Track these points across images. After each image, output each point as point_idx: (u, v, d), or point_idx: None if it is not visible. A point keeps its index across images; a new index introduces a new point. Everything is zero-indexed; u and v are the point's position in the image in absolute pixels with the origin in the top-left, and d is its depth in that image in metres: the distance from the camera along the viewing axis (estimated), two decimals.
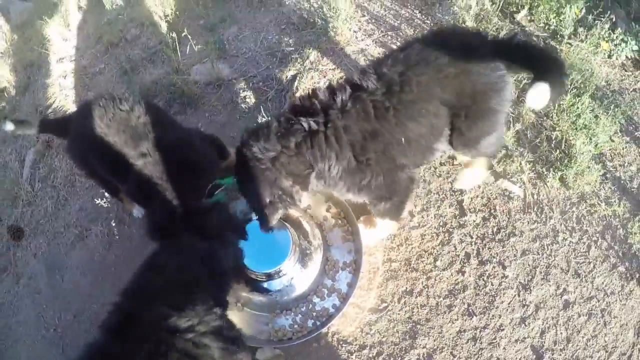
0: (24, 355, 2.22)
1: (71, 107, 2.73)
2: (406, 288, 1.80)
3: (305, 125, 1.35)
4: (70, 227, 2.33)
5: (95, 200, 2.22)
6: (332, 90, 1.39)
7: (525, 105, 1.23)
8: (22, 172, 2.78)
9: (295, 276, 1.74)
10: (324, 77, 2.15)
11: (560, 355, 1.75)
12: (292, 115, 1.38)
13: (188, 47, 2.38)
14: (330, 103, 1.36)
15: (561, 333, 1.79)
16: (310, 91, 1.44)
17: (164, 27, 2.58)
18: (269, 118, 1.61)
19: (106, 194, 2.24)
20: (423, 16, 2.37)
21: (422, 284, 1.80)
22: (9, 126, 1.80)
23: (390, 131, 1.36)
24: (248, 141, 1.41)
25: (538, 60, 1.41)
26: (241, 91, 2.19)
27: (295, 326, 1.71)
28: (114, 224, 2.16)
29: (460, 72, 1.34)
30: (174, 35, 2.23)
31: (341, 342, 1.72)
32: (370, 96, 1.33)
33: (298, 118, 1.36)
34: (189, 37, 2.13)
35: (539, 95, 1.29)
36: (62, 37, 3.20)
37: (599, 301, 1.84)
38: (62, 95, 2.86)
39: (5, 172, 2.91)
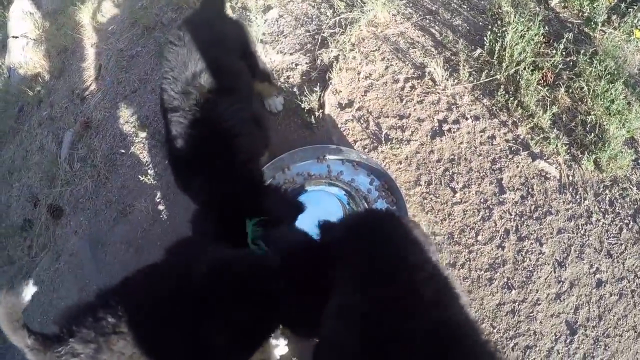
0: None
1: (109, 89, 2.79)
2: (449, 261, 1.85)
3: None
4: (113, 204, 2.39)
5: (139, 177, 2.28)
6: None
7: None
8: (59, 153, 2.84)
9: None
10: (366, 58, 2.21)
11: (593, 332, 1.80)
12: None
13: None
14: None
15: (593, 311, 1.84)
16: None
17: None
18: None
19: (150, 171, 2.30)
20: (459, 1, 2.41)
21: (465, 257, 1.85)
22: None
23: None
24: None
25: None
26: (283, 72, 2.24)
27: None
28: (158, 200, 2.23)
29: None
30: None
31: None
32: None
33: None
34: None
35: None
36: (95, 22, 3.26)
37: (629, 282, 1.89)
38: (99, 78, 2.92)
39: (43, 153, 2.98)
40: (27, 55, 3.55)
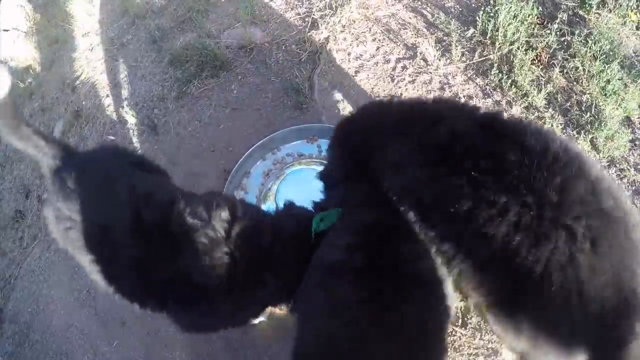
0: (56, 317, 2.25)
1: (99, 78, 2.76)
2: None
3: None
4: None
5: None
6: None
7: None
8: None
9: None
10: (357, 39, 2.17)
11: None
12: None
13: (217, 15, 2.41)
14: None
15: None
16: None
17: None
18: None
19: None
20: None
21: None
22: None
23: None
24: None
25: None
26: (274, 54, 2.21)
27: None
28: None
29: None
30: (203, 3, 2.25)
31: None
32: None
33: None
34: (221, 2, 2.15)
35: None
36: (86, 13, 3.23)
37: None
38: (90, 68, 2.89)
39: None
40: (18, 48, 3.52)
